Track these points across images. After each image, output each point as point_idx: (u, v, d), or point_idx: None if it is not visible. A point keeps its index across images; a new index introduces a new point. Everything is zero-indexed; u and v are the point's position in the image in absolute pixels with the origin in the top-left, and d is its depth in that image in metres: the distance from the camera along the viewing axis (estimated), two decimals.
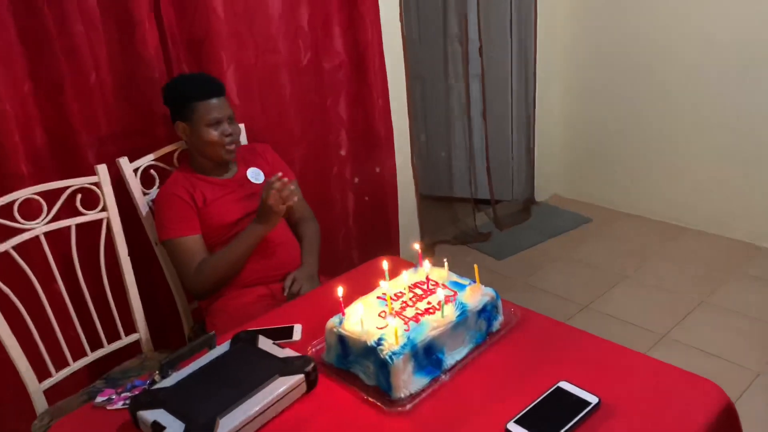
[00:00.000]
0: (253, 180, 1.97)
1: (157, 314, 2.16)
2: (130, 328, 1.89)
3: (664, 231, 3.45)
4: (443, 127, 3.86)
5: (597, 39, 3.55)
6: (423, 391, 1.21)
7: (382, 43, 2.61)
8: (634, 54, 3.40)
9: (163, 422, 1.13)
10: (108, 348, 1.84)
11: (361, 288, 1.44)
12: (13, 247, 1.62)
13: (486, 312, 1.35)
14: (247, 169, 1.98)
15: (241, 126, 2.13)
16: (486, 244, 3.44)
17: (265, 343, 1.33)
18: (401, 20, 2.80)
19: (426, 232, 3.26)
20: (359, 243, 2.85)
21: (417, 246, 1.54)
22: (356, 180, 2.73)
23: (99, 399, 1.29)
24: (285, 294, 1.85)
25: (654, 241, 3.35)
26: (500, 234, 3.55)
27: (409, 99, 2.96)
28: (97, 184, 1.77)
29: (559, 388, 1.17)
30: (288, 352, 1.30)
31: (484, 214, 3.77)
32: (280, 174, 1.76)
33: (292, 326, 1.49)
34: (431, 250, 3.30)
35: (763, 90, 2.97)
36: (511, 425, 1.09)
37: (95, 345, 1.82)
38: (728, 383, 2.12)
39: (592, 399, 1.12)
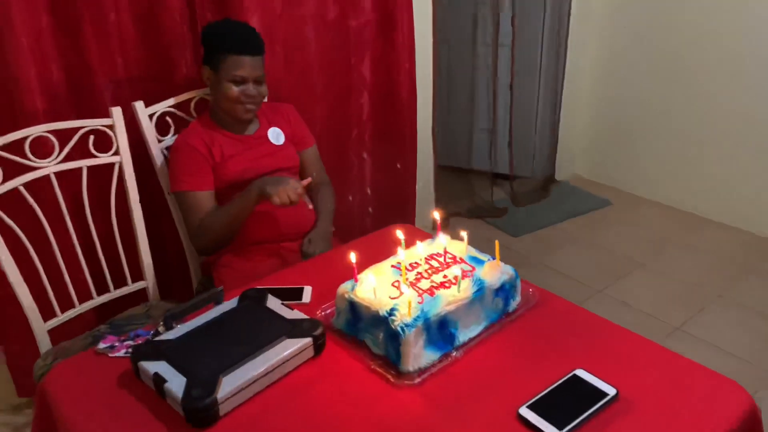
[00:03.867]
0: (273, 141, 1.91)
1: (165, 264, 2.14)
2: (138, 275, 1.86)
3: (686, 221, 3.37)
4: (466, 95, 3.76)
5: (634, 18, 3.41)
6: (433, 365, 1.18)
7: (411, 4, 2.50)
8: (671, 37, 3.27)
9: (164, 375, 1.10)
10: (114, 293, 1.82)
11: (374, 255, 1.40)
12: (24, 185, 1.59)
13: (504, 291, 1.30)
14: (269, 128, 1.92)
15: None
16: (501, 219, 3.38)
17: (273, 303, 1.30)
18: None
19: (440, 204, 3.20)
20: (373, 209, 2.80)
21: (437, 215, 1.48)
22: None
23: (101, 345, 1.26)
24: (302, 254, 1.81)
25: (674, 231, 3.27)
26: (517, 210, 3.48)
27: (435, 64, 2.86)
28: (111, 127, 1.72)
29: (575, 375, 1.12)
30: (296, 314, 1.26)
31: (501, 189, 3.70)
32: (307, 181, 1.67)
33: (302, 288, 1.45)
34: (445, 222, 3.25)
35: None
36: (523, 410, 1.05)
37: (102, 289, 1.80)
38: (741, 383, 2.09)
39: (610, 390, 1.08)
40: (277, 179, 1.68)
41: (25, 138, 1.58)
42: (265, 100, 1.92)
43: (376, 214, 2.80)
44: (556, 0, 3.38)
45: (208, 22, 1.85)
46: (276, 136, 1.91)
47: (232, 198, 1.76)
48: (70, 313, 1.74)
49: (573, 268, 2.93)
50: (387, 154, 2.73)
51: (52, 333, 1.69)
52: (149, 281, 1.87)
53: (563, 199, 3.63)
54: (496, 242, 1.36)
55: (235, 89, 1.75)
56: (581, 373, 1.13)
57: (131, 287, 1.85)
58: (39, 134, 1.61)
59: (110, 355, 1.24)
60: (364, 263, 1.33)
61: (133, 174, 1.77)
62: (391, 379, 1.15)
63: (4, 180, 1.55)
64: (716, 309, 2.59)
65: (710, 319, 2.52)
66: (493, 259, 1.34)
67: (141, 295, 1.89)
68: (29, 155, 1.59)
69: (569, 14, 3.39)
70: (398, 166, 2.76)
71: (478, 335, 1.26)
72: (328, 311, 1.35)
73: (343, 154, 2.59)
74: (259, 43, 1.79)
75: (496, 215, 3.41)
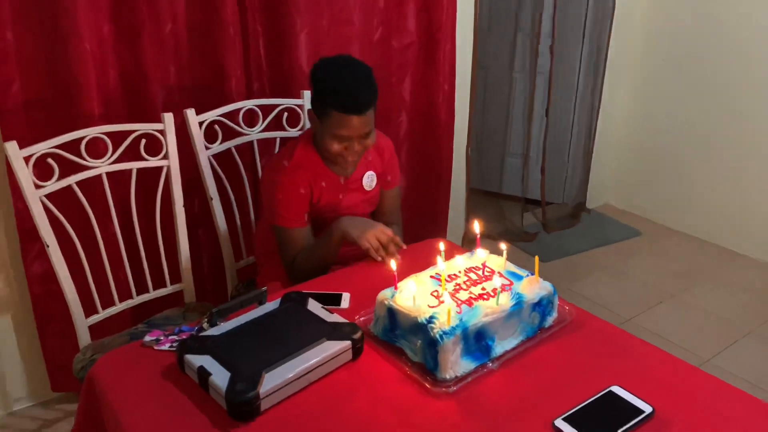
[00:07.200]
0: (366, 187, 1.82)
1: (202, 267, 2.19)
2: (176, 277, 1.90)
3: (718, 254, 3.33)
4: (501, 120, 3.80)
5: (671, 48, 3.42)
6: (469, 375, 1.19)
7: (455, 27, 2.56)
8: (709, 68, 3.28)
9: (209, 368, 1.13)
10: (153, 294, 1.87)
11: (412, 265, 1.44)
12: (77, 183, 1.65)
13: (541, 306, 1.31)
14: (365, 172, 1.81)
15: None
16: (531, 244, 3.38)
17: (314, 306, 1.33)
18: (476, 6, 2.75)
19: (471, 226, 3.22)
20: (405, 228, 2.82)
21: (477, 229, 1.51)
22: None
23: (147, 338, 1.30)
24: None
25: (705, 264, 3.24)
26: (546, 236, 3.49)
27: (473, 87, 2.91)
28: (162, 132, 1.78)
29: (611, 392, 1.13)
30: (336, 318, 1.29)
31: (532, 215, 3.71)
32: (398, 242, 1.67)
33: (341, 294, 1.48)
34: (474, 243, 3.26)
35: None
36: (558, 422, 1.06)
37: (141, 289, 1.85)
38: None
39: (646, 408, 1.08)
40: (360, 220, 1.65)
41: (82, 138, 1.65)
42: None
43: (407, 231, 2.82)
44: (594, 29, 3.42)
45: (321, 60, 1.66)
46: (369, 182, 1.83)
47: (320, 231, 1.75)
48: (111, 311, 1.79)
49: (601, 295, 2.92)
50: (421, 173, 2.76)
51: (91, 330, 1.74)
52: (186, 284, 1.92)
53: (593, 227, 3.62)
54: (536, 258, 1.38)
55: (337, 146, 1.63)
56: (617, 389, 1.13)
57: (169, 289, 1.90)
58: (94, 135, 1.68)
59: (156, 347, 1.28)
60: (402, 273, 1.36)
61: (180, 178, 1.83)
62: (428, 386, 1.16)
63: (60, 177, 1.62)
64: (748, 344, 2.55)
65: (741, 355, 2.48)
66: (532, 274, 1.36)
67: (176, 298, 1.94)
68: (84, 155, 1.66)
69: (608, 43, 3.42)
70: (433, 185, 2.79)
71: (515, 348, 1.27)
72: (365, 318, 1.37)
73: None
74: (368, 98, 1.59)
75: (526, 240, 3.41)
